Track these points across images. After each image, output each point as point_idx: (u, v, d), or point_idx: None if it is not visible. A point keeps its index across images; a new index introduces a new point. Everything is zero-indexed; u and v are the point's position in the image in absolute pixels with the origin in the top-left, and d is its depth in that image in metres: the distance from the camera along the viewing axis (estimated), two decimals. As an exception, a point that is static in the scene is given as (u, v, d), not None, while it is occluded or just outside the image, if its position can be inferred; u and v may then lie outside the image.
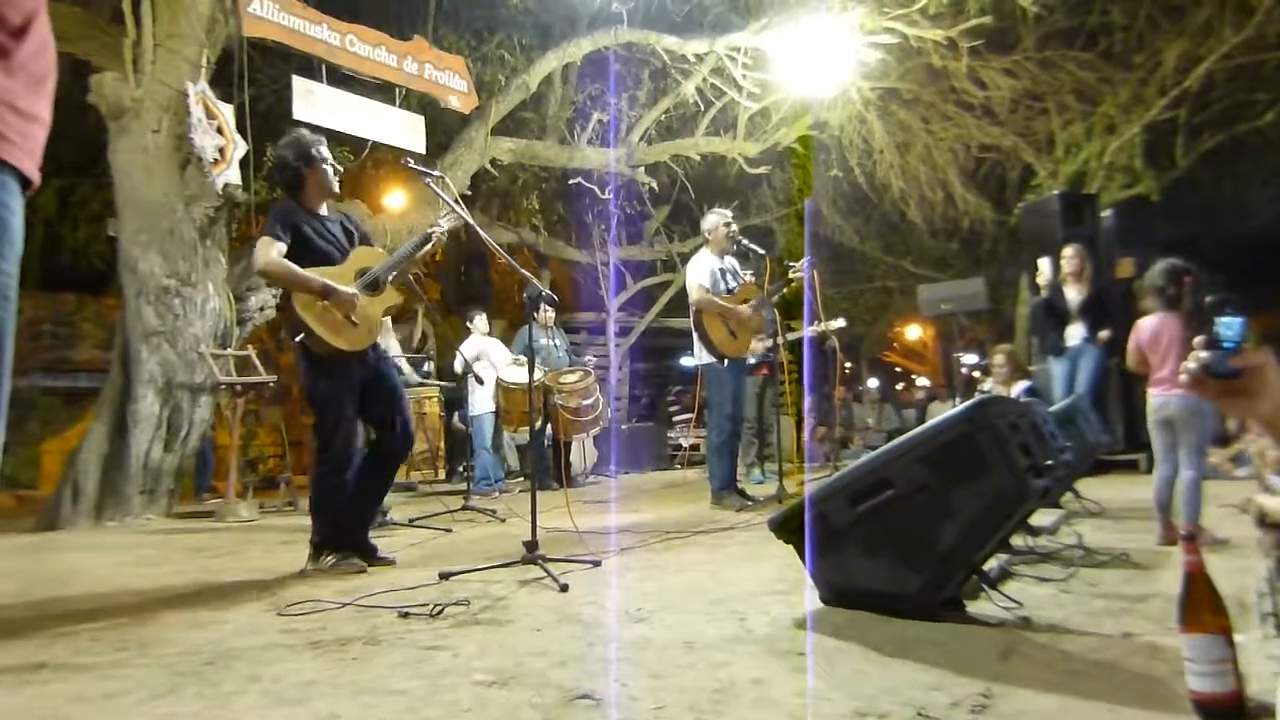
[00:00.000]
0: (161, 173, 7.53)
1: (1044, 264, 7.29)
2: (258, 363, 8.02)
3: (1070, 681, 2.28)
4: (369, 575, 4.22)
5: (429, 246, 4.80)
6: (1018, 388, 7.07)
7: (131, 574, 4.58)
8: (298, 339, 4.34)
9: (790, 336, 7.96)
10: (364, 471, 4.62)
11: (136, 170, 7.47)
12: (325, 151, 4.59)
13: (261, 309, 8.77)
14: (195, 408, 7.69)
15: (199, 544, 5.81)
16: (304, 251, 4.39)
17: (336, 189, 4.67)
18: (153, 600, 3.81)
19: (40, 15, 1.33)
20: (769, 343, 7.15)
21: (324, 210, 4.65)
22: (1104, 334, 6.94)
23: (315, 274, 4.33)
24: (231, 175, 7.76)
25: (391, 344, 7.49)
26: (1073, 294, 7.14)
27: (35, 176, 1.33)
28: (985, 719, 2.03)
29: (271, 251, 4.27)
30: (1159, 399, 4.58)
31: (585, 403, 8.73)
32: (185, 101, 7.48)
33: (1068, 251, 7.23)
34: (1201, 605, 2.05)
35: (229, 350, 7.89)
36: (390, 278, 4.63)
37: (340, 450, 4.44)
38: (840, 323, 8.30)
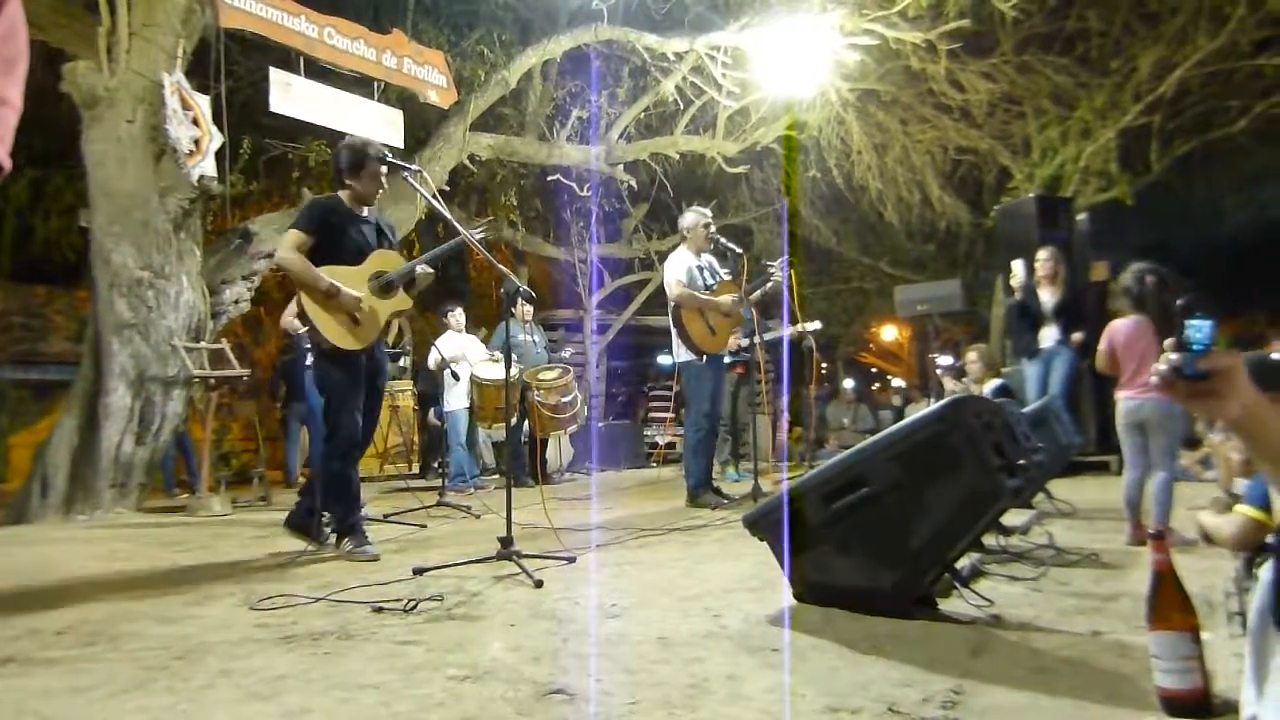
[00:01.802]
0: (136, 164, 7.45)
1: (1018, 266, 7.35)
2: (231, 356, 7.95)
3: (1040, 678, 2.30)
4: (343, 571, 4.20)
5: (439, 255, 5.12)
6: (988, 386, 7.12)
7: (101, 568, 4.54)
8: (304, 330, 4.73)
9: (768, 336, 7.96)
10: None
11: (110, 161, 7.39)
12: (375, 166, 4.78)
13: (236, 302, 8.70)
14: (168, 401, 7.61)
15: (170, 538, 5.76)
16: (332, 248, 4.66)
17: (372, 199, 4.89)
18: (123, 594, 3.77)
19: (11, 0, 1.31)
20: (745, 341, 7.15)
21: (365, 212, 4.87)
22: (1077, 336, 7.00)
23: (327, 274, 4.55)
24: (207, 167, 7.68)
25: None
26: (1047, 296, 7.20)
27: (6, 161, 1.31)
28: (956, 714, 2.05)
29: (293, 245, 4.56)
30: (1133, 402, 4.62)
31: (564, 400, 8.72)
32: (160, 92, 7.40)
33: (1041, 254, 7.29)
34: (1170, 604, 2.08)
35: (203, 343, 7.82)
36: (403, 282, 4.85)
37: (346, 436, 4.65)
38: (816, 325, 8.32)
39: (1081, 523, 5.27)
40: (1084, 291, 7.73)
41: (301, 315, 4.64)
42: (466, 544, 4.90)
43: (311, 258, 4.58)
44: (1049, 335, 7.17)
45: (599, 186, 13.20)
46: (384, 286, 4.75)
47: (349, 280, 4.62)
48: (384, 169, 4.81)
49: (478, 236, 4.94)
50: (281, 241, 4.68)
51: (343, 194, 4.81)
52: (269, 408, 11.69)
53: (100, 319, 7.38)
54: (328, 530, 4.83)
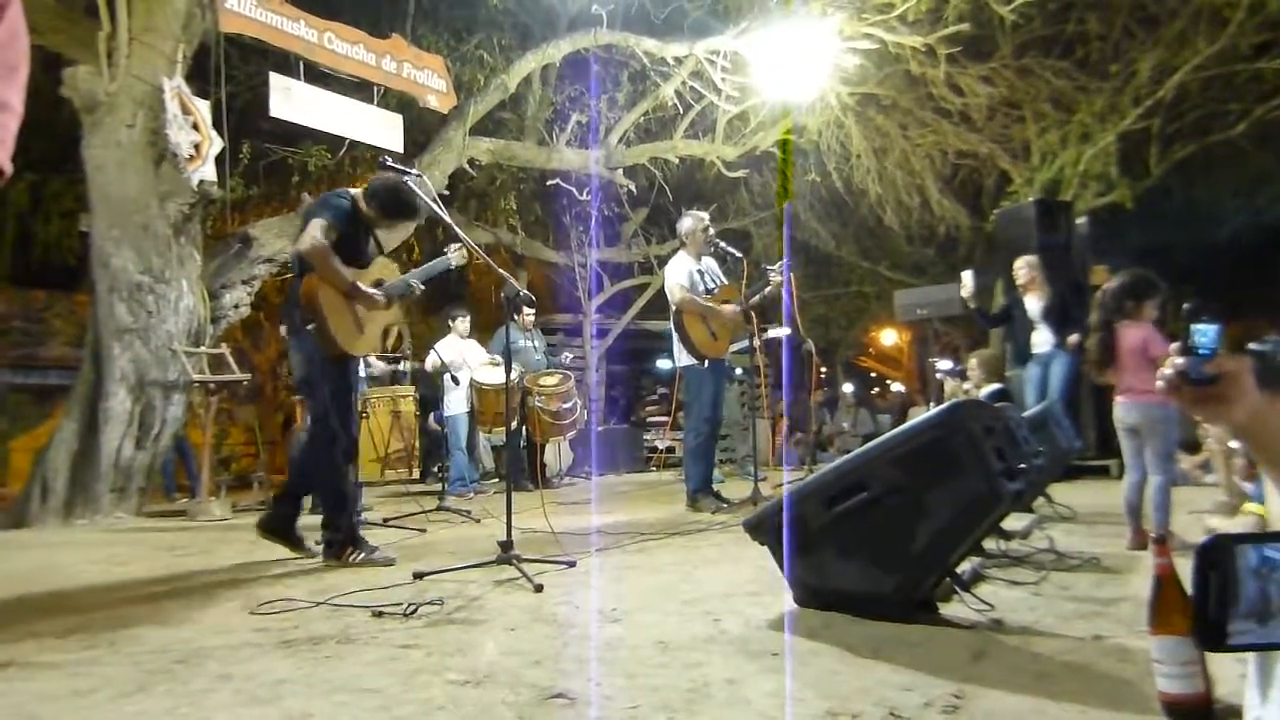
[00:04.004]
0: (136, 168, 7.46)
1: (967, 277, 7.50)
2: (231, 361, 7.96)
3: (1041, 683, 2.30)
4: (341, 574, 4.19)
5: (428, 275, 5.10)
6: (985, 391, 7.13)
7: (101, 572, 4.54)
8: (308, 326, 4.47)
9: (744, 345, 7.85)
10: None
11: (110, 165, 7.40)
12: (408, 226, 5.03)
13: (236, 306, 8.71)
14: (168, 405, 7.62)
15: (171, 543, 5.75)
16: (346, 251, 4.53)
17: (389, 247, 5.00)
18: (123, 599, 3.77)
19: (13, 4, 1.31)
20: (744, 342, 7.14)
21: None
22: (1073, 339, 7.01)
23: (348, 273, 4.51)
24: (207, 172, 7.70)
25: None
26: (1033, 302, 7.34)
27: (7, 166, 1.31)
28: (957, 719, 2.04)
29: (320, 235, 4.37)
30: (1122, 407, 4.63)
31: (564, 406, 8.72)
32: (160, 97, 7.41)
33: (1018, 264, 7.51)
34: (1171, 608, 2.07)
35: (202, 348, 7.83)
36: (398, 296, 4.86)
37: (348, 442, 4.64)
38: (784, 330, 8.26)
39: (1082, 527, 5.26)
40: (1069, 293, 7.73)
41: (305, 315, 4.46)
42: (466, 548, 4.89)
43: None
44: (1042, 339, 7.24)
45: (598, 191, 13.22)
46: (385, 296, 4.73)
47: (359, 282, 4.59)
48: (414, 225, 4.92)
49: (452, 258, 5.12)
50: (309, 229, 4.40)
51: (366, 207, 4.71)
52: (268, 412, 11.69)
53: (100, 323, 7.39)
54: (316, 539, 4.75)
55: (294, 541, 4.75)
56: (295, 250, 4.51)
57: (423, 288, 4.98)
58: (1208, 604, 1.08)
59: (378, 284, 4.70)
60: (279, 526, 4.74)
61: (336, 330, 4.45)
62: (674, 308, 6.59)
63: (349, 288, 4.47)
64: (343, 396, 4.59)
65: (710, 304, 6.58)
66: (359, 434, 4.80)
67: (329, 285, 4.45)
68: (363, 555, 4.47)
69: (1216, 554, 1.10)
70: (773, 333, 7.68)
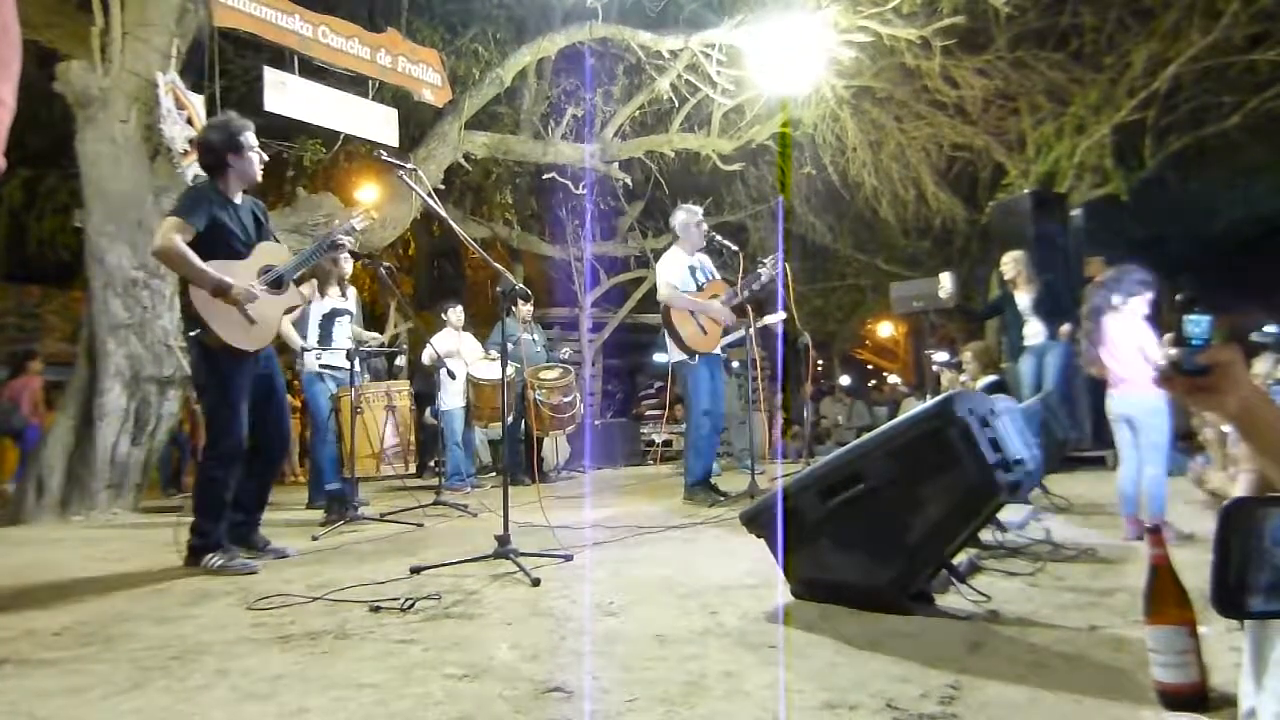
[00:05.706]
0: (130, 163, 7.44)
1: (945, 278, 7.62)
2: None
3: (1037, 673, 2.30)
4: (338, 569, 4.19)
5: (335, 251, 4.84)
6: (982, 382, 7.15)
7: (97, 568, 4.53)
8: (193, 334, 4.27)
9: (739, 337, 7.81)
10: (246, 470, 4.55)
11: (104, 161, 7.37)
12: (252, 139, 4.51)
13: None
14: (163, 401, 7.61)
15: (167, 538, 5.72)
16: (215, 242, 4.30)
17: (258, 178, 4.59)
18: (119, 595, 3.77)
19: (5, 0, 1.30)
20: (740, 332, 7.13)
21: (238, 198, 4.54)
22: (1065, 328, 7.07)
23: (216, 268, 4.22)
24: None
25: (363, 334, 7.44)
26: (1022, 297, 7.50)
27: (1, 160, 1.31)
28: (954, 710, 2.05)
29: (176, 234, 4.14)
30: (1115, 399, 4.65)
31: (565, 400, 8.72)
32: (154, 91, 7.39)
33: (1004, 260, 7.66)
34: (1166, 598, 2.08)
35: (198, 343, 7.81)
36: (294, 277, 4.59)
37: (233, 447, 4.37)
38: (779, 316, 8.26)
39: (1078, 518, 5.28)
40: (1060, 284, 7.78)
41: (189, 320, 4.28)
42: (463, 543, 4.88)
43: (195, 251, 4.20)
44: (1034, 331, 7.31)
45: (594, 185, 13.20)
46: (274, 282, 4.47)
47: (240, 275, 4.30)
48: (254, 156, 4.50)
49: (353, 234, 4.85)
50: (162, 228, 4.17)
51: (222, 178, 4.45)
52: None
53: (95, 319, 7.37)
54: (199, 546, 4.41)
55: (258, 548, 4.64)
56: (151, 252, 4.14)
57: (321, 256, 4.72)
58: (1228, 569, 1.06)
59: (265, 270, 4.46)
60: (238, 543, 4.59)
61: (220, 328, 4.23)
62: (661, 304, 6.59)
63: (212, 287, 4.18)
64: (232, 397, 4.34)
65: (698, 298, 6.57)
66: (244, 437, 4.44)
67: (195, 286, 4.21)
68: (221, 561, 4.23)
69: (1239, 517, 1.08)
70: (767, 319, 7.68)
